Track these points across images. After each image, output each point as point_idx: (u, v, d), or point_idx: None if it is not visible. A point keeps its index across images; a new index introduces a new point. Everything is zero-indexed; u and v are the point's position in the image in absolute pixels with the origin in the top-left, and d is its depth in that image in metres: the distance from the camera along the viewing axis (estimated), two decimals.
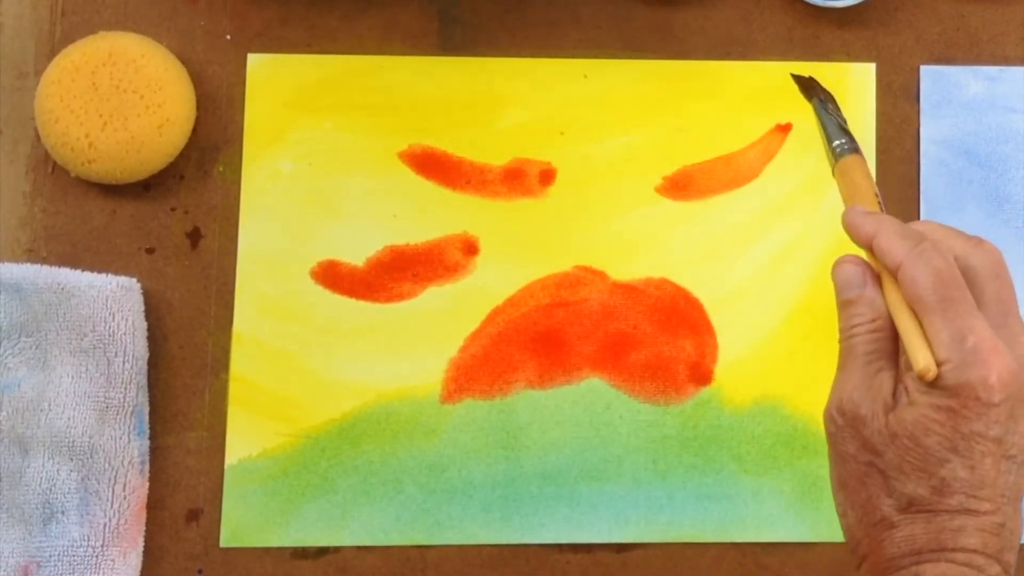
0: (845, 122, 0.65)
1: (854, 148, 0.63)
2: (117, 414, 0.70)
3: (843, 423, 0.57)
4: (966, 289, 0.56)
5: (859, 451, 0.56)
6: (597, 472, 0.72)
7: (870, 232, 0.58)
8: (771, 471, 0.72)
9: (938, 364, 0.54)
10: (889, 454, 0.55)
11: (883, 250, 0.57)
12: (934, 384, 0.55)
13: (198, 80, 0.74)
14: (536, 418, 0.72)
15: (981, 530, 0.55)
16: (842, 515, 0.58)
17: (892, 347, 0.57)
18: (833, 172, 0.63)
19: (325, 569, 0.71)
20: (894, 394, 0.56)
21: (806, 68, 0.75)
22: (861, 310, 0.58)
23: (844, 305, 0.59)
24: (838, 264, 0.59)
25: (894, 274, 0.57)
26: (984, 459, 0.55)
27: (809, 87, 0.67)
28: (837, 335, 0.59)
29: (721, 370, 0.73)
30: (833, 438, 0.57)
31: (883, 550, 0.56)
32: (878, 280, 0.58)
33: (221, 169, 0.74)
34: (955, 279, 0.55)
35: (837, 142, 0.63)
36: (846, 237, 0.74)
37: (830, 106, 0.65)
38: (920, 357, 0.55)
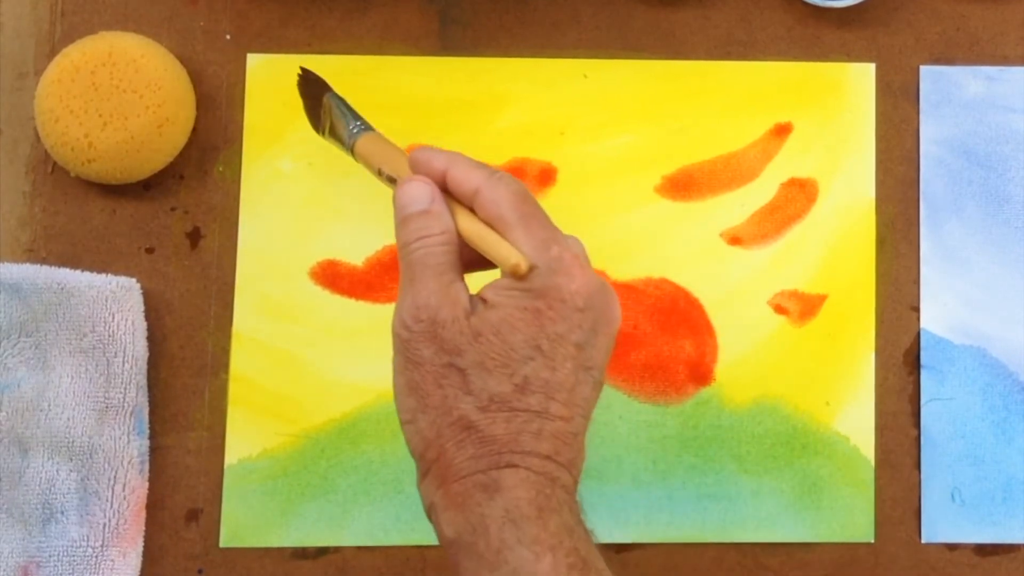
0: (351, 108, 0.66)
1: (369, 127, 0.65)
2: (117, 414, 0.70)
3: (419, 329, 0.56)
4: (540, 207, 0.58)
5: (436, 353, 0.56)
6: (597, 472, 0.72)
7: (442, 165, 0.59)
8: (771, 471, 0.72)
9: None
10: (471, 352, 0.55)
11: (459, 179, 0.58)
12: (521, 284, 0.56)
13: (198, 80, 0.74)
14: None
15: (555, 436, 0.56)
16: (409, 421, 0.57)
17: (459, 262, 0.58)
18: (353, 153, 0.64)
19: (325, 569, 0.71)
20: (471, 304, 0.57)
21: (806, 68, 0.75)
22: (430, 223, 0.58)
23: (410, 219, 0.58)
24: (403, 183, 0.59)
25: (471, 199, 0.58)
26: (565, 362, 0.56)
27: (318, 83, 0.68)
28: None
29: (721, 370, 0.73)
30: (406, 344, 0.56)
31: (460, 450, 0.55)
32: (445, 201, 0.59)
33: (221, 169, 0.74)
34: (531, 197, 0.58)
35: (354, 124, 0.65)
36: (846, 236, 0.74)
37: (336, 96, 0.67)
38: (511, 255, 0.56)
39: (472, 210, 0.58)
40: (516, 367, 0.55)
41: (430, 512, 0.56)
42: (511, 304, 0.56)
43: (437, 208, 0.58)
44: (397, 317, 0.57)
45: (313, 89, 0.68)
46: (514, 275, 0.56)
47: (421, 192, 0.59)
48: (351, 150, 0.65)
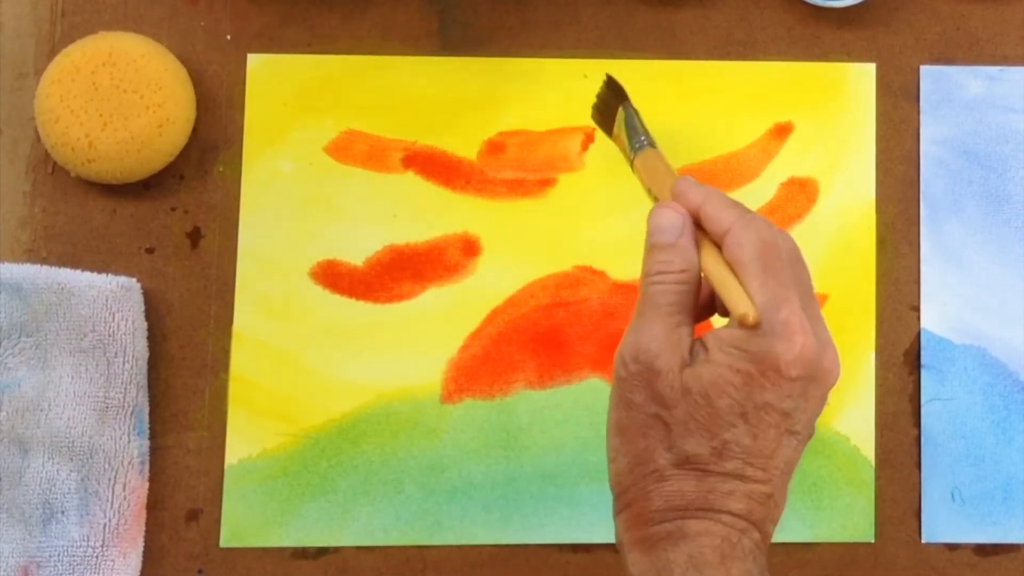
0: (642, 121, 0.67)
1: (652, 143, 0.66)
2: (117, 414, 0.70)
3: (636, 370, 0.56)
4: (785, 262, 0.56)
5: (647, 401, 0.56)
6: (597, 472, 0.72)
7: (698, 199, 0.59)
8: None
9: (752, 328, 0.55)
10: (678, 409, 0.55)
11: (710, 216, 0.58)
12: (740, 343, 0.55)
13: (198, 80, 0.74)
14: (536, 418, 0.72)
15: (749, 497, 0.55)
16: (612, 459, 0.57)
17: (693, 303, 0.58)
18: (633, 166, 0.65)
19: (325, 569, 0.71)
20: (691, 351, 0.56)
21: (806, 68, 0.75)
22: (672, 257, 0.58)
23: (655, 249, 0.59)
24: (658, 208, 0.59)
25: (720, 239, 0.57)
26: (769, 430, 0.55)
27: (620, 91, 0.68)
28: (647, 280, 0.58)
29: None
30: (622, 383, 0.57)
31: (649, 501, 0.56)
32: (695, 235, 0.59)
33: (221, 169, 0.74)
34: (778, 249, 0.56)
35: (639, 139, 0.66)
36: (846, 236, 0.74)
37: (631, 107, 0.68)
38: (742, 304, 0.55)
39: (720, 248, 0.58)
40: (717, 431, 0.55)
41: (619, 546, 0.57)
42: (725, 363, 0.55)
43: (684, 242, 0.58)
44: (620, 351, 0.57)
45: (613, 96, 0.69)
46: (740, 324, 0.55)
47: (672, 222, 0.59)
48: (631, 163, 0.66)
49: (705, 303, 0.60)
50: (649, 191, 0.63)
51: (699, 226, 0.59)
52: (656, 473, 0.56)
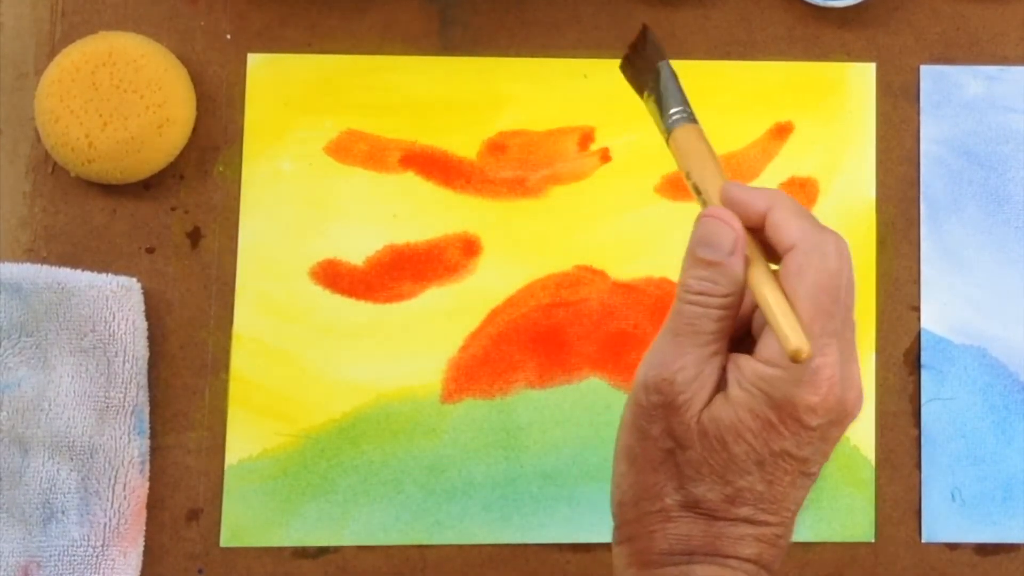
0: (681, 89, 0.59)
1: (692, 117, 0.57)
2: (117, 414, 0.70)
3: (657, 401, 0.52)
4: (842, 301, 0.52)
5: (663, 435, 0.52)
6: (597, 472, 0.72)
7: (763, 206, 0.53)
8: None
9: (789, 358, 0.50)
10: (693, 451, 0.52)
11: (778, 224, 0.52)
12: (764, 384, 0.51)
13: (198, 80, 0.74)
14: (536, 418, 0.72)
15: (759, 540, 0.53)
16: (617, 484, 0.54)
17: (731, 329, 0.53)
18: (668, 139, 0.57)
19: (325, 569, 0.71)
20: (717, 386, 0.52)
21: (806, 68, 0.75)
22: (718, 277, 0.52)
23: (699, 264, 0.53)
24: (708, 218, 0.53)
25: (783, 252, 0.52)
26: (784, 476, 0.53)
27: (656, 48, 0.59)
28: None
29: None
30: (640, 410, 0.53)
31: (653, 541, 0.53)
32: (745, 254, 0.53)
33: (221, 169, 0.74)
34: (838, 288, 0.51)
35: (678, 108, 0.57)
36: (847, 236, 0.74)
37: (671, 70, 0.59)
38: (793, 337, 0.49)
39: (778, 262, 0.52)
40: (732, 478, 0.52)
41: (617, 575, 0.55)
42: (745, 405, 0.51)
43: (734, 262, 0.52)
44: (643, 371, 0.53)
45: (648, 51, 0.59)
46: (792, 359, 0.50)
47: (724, 238, 0.52)
48: (667, 134, 0.57)
49: (743, 322, 0.54)
50: (688, 175, 0.56)
51: (752, 230, 0.53)
52: (662, 512, 0.53)
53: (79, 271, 0.71)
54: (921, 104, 0.75)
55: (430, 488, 0.72)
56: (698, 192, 0.55)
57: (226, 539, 0.71)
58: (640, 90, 0.59)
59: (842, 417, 0.52)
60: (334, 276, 0.73)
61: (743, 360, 0.52)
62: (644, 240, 0.74)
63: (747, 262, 0.52)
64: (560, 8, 0.76)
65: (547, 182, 0.74)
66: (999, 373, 0.74)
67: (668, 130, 0.57)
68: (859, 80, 0.76)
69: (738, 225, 0.53)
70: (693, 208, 0.74)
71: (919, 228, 0.74)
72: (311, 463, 0.72)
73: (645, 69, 0.59)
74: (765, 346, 0.52)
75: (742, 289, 0.52)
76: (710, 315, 0.52)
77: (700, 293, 0.52)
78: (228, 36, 0.75)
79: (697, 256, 0.53)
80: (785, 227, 0.52)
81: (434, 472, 0.72)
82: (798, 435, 0.52)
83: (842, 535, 0.72)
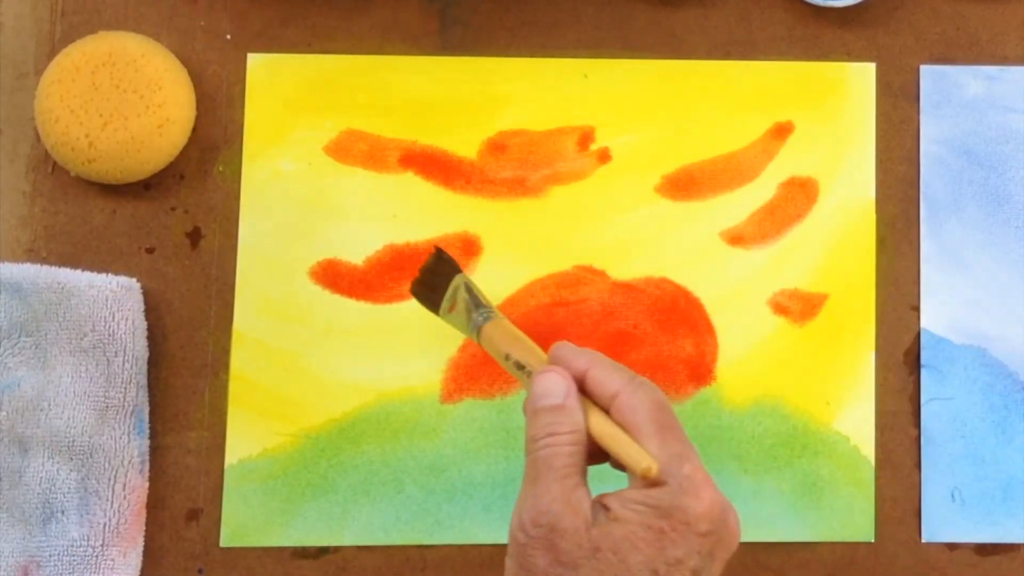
0: (480, 292, 0.66)
1: (497, 314, 0.65)
2: (117, 414, 0.70)
3: (537, 534, 0.55)
4: (677, 419, 0.57)
5: (551, 565, 0.54)
6: (597, 472, 0.72)
7: (583, 365, 0.58)
8: (771, 471, 0.72)
9: (655, 484, 0.55)
10: (587, 569, 0.54)
11: (600, 380, 0.58)
12: (649, 500, 0.55)
13: (198, 80, 0.74)
14: None
15: None
16: None
17: (584, 462, 0.57)
18: (479, 335, 0.64)
19: (325, 569, 0.71)
20: (592, 511, 0.56)
21: (806, 68, 0.75)
22: (561, 419, 0.57)
23: (541, 412, 0.58)
24: (540, 373, 0.59)
25: (608, 402, 0.57)
26: None
27: (451, 264, 0.67)
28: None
29: (721, 370, 0.73)
30: (522, 549, 0.55)
31: None
32: (580, 398, 0.58)
33: (221, 169, 0.74)
34: (669, 408, 0.57)
35: (483, 309, 0.64)
36: (846, 236, 0.74)
37: (468, 279, 0.66)
38: (643, 459, 0.55)
39: (607, 412, 0.58)
40: None
41: None
42: (635, 520, 0.55)
43: (571, 404, 0.58)
44: (516, 518, 0.56)
45: (444, 268, 0.67)
46: (644, 479, 0.55)
47: (557, 385, 0.58)
48: (477, 332, 0.64)
49: (592, 453, 0.58)
50: (507, 358, 0.62)
51: (582, 390, 0.58)
52: None
53: (79, 271, 0.71)
54: (921, 104, 0.75)
55: (430, 488, 0.72)
56: (520, 367, 0.61)
57: (226, 539, 0.71)
58: (435, 306, 0.66)
59: (727, 536, 0.56)
60: (334, 276, 0.73)
61: (622, 490, 0.56)
62: (644, 240, 0.74)
63: (585, 412, 0.58)
64: (560, 8, 0.76)
65: (547, 182, 0.74)
66: (999, 373, 0.74)
67: (477, 329, 0.64)
68: (859, 80, 0.76)
69: (568, 375, 0.58)
70: (693, 208, 0.75)
71: (919, 228, 0.75)
72: (311, 463, 0.72)
73: (440, 286, 0.66)
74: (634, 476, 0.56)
75: (584, 429, 0.57)
76: (563, 452, 0.57)
77: (548, 435, 0.57)
78: (228, 36, 0.75)
79: (538, 407, 0.58)
80: (606, 379, 0.58)
81: (434, 472, 0.72)
82: (689, 542, 0.55)
83: (842, 535, 0.72)
